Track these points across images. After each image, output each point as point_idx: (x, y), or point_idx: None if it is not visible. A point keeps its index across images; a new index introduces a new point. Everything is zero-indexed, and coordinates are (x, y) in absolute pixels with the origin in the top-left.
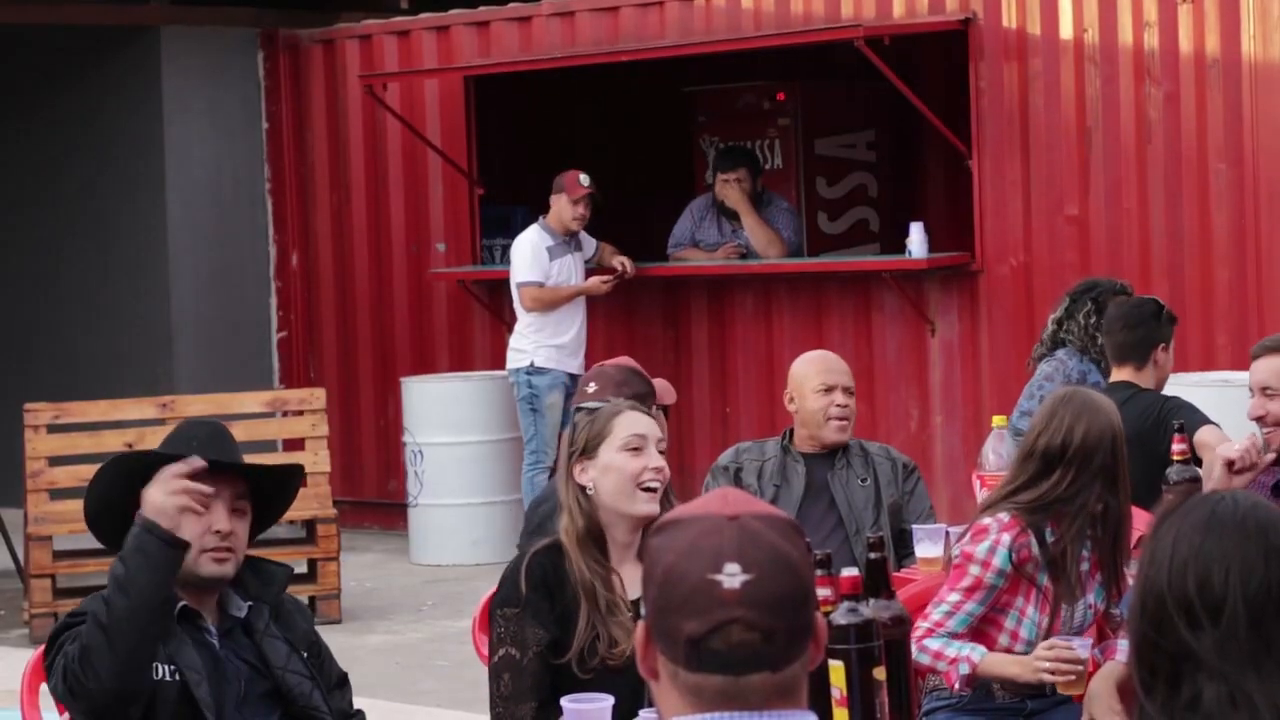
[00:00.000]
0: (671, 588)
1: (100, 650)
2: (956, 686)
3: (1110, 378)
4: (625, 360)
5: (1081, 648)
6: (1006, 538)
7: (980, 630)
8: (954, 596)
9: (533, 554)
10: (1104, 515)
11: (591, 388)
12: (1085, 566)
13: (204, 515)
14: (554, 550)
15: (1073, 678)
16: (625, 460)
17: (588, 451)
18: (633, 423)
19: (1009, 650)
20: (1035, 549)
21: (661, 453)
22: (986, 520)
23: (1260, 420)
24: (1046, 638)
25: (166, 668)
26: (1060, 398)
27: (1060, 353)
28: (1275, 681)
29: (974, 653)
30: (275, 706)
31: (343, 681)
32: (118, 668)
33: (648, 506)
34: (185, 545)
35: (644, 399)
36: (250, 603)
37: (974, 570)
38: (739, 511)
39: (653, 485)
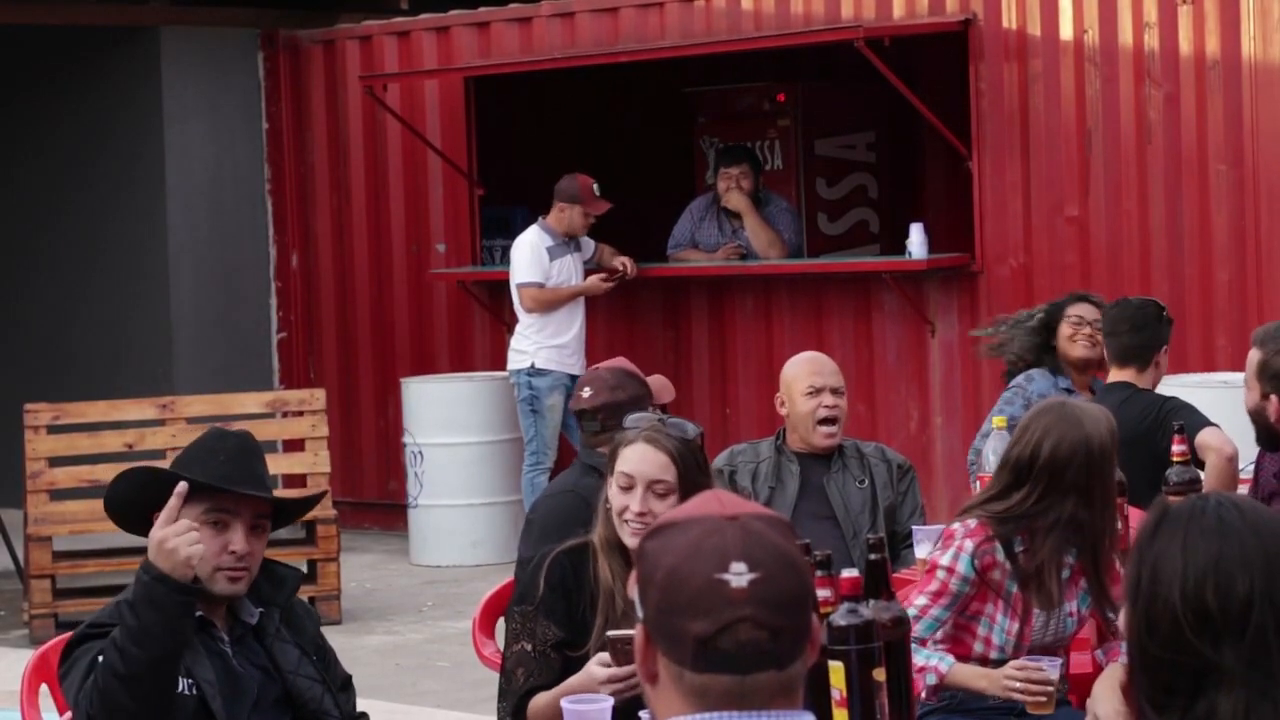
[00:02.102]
0: (676, 589)
1: (119, 698)
2: (923, 695)
3: (1110, 372)
4: (619, 362)
5: (1051, 668)
6: (970, 544)
7: (956, 638)
8: (921, 600)
9: (555, 555)
10: (1078, 530)
11: (586, 392)
12: (1066, 574)
13: (221, 534)
14: (577, 552)
15: (1042, 699)
16: (615, 494)
17: (609, 468)
18: (627, 460)
19: (984, 658)
20: (1001, 557)
21: (662, 495)
22: (955, 526)
23: None
24: (1018, 646)
25: (185, 681)
26: (1039, 409)
27: (1035, 373)
28: None
29: (941, 663)
30: (286, 711)
31: (347, 684)
32: (140, 710)
33: (629, 540)
34: (198, 590)
35: (639, 401)
36: (261, 609)
37: (940, 576)
38: (737, 512)
39: (633, 526)
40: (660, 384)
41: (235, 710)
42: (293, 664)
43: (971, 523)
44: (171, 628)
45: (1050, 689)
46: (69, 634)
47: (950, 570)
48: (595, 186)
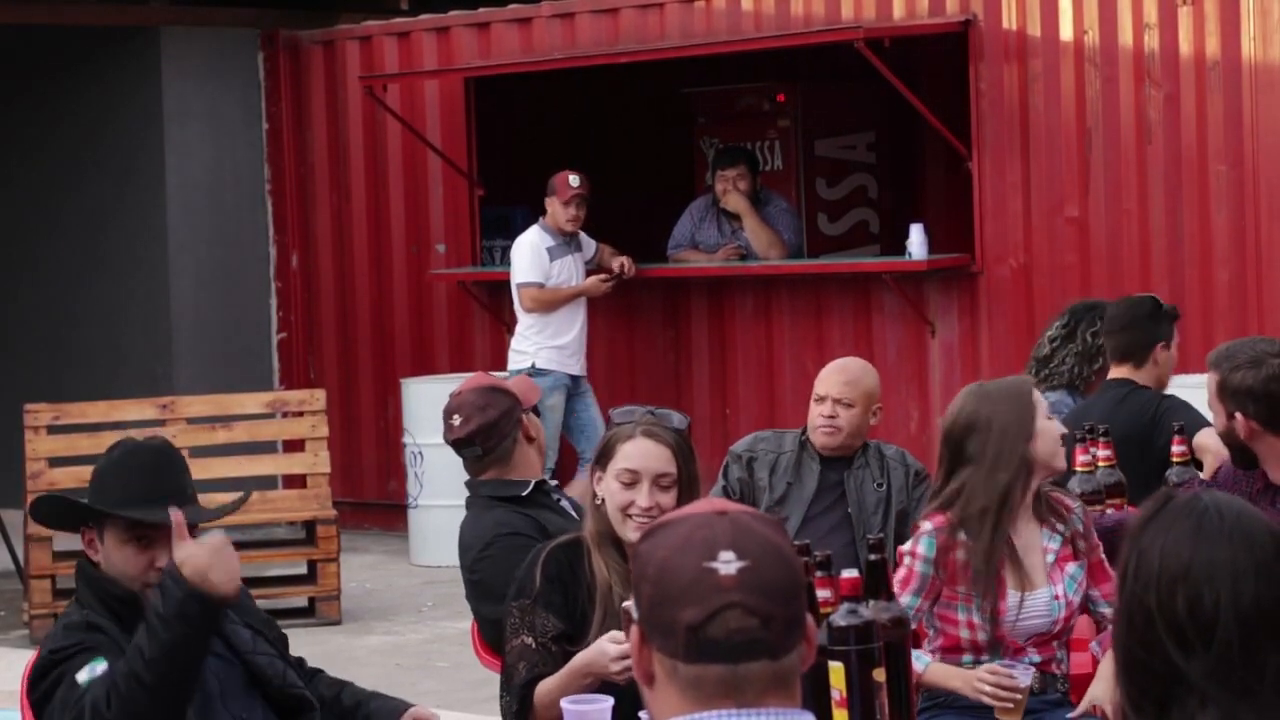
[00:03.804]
0: (668, 581)
1: (142, 708)
2: None
3: (1110, 370)
4: (478, 380)
5: (1023, 676)
6: (929, 525)
7: (943, 631)
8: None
9: (550, 549)
10: (974, 496)
11: (456, 420)
12: (1051, 558)
13: (147, 551)
14: (571, 546)
15: (1010, 706)
16: (617, 490)
17: (600, 463)
18: (630, 454)
19: (973, 641)
20: (961, 536)
21: (666, 488)
22: (920, 520)
23: None
24: (995, 622)
25: None
26: (957, 397)
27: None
28: (1273, 711)
29: (918, 662)
30: (254, 691)
31: (286, 642)
32: (160, 717)
33: (634, 536)
34: (230, 602)
35: (511, 414)
36: None
37: (906, 562)
38: (727, 509)
39: (639, 520)
40: (525, 387)
41: (206, 706)
42: (248, 644)
43: (931, 511)
44: (204, 640)
45: (1019, 697)
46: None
47: (913, 554)
48: (572, 177)
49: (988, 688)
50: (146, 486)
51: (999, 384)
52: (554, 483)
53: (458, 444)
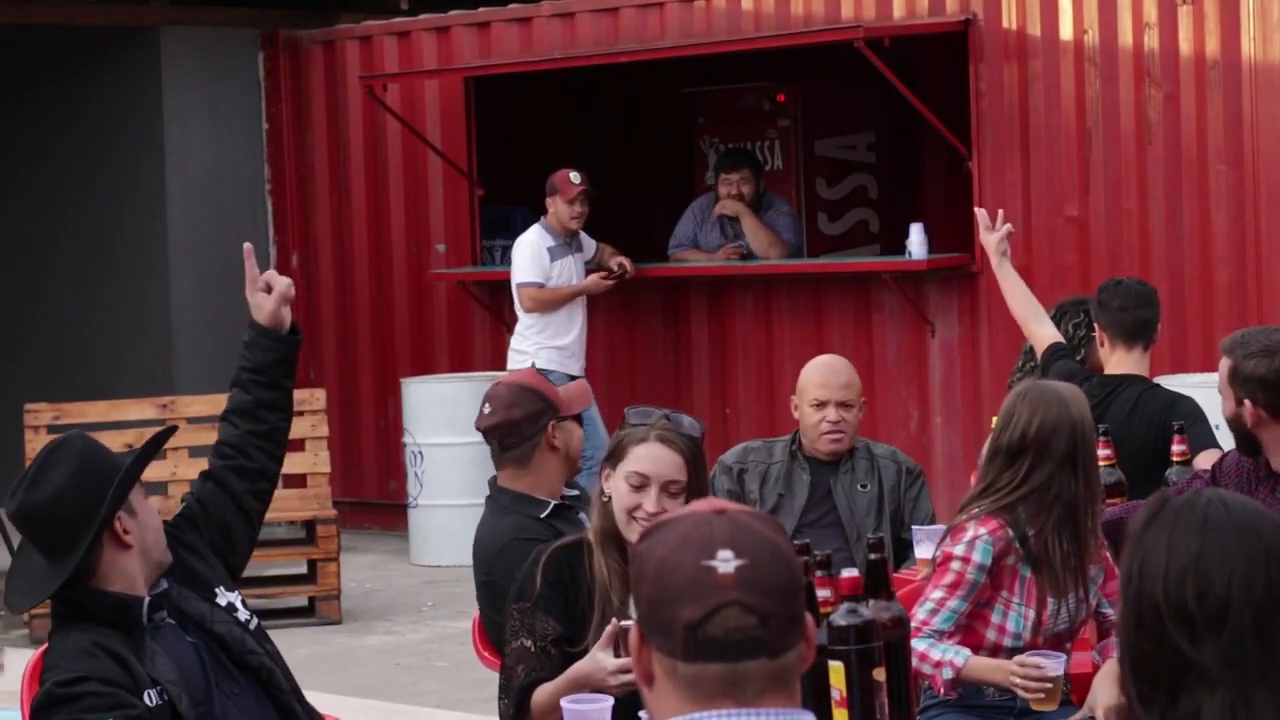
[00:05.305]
0: (666, 579)
1: None
2: (942, 691)
3: (1113, 357)
4: (521, 376)
5: (1055, 666)
6: (984, 532)
7: (968, 627)
8: (938, 594)
9: (552, 551)
10: (1065, 501)
11: (486, 409)
12: (1075, 561)
13: (150, 511)
14: (573, 549)
15: (1042, 695)
16: (625, 491)
17: (611, 462)
18: (641, 458)
19: (998, 645)
20: (1015, 543)
21: (675, 494)
22: (963, 518)
23: None
24: (1035, 632)
25: (153, 692)
26: (1018, 394)
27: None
28: None
29: (958, 656)
30: (232, 663)
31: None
32: None
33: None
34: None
35: (536, 419)
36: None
37: (955, 567)
38: (725, 508)
39: (643, 524)
40: (575, 392)
41: (207, 686)
42: (205, 614)
43: (980, 513)
44: None
45: (1050, 686)
46: (41, 658)
47: (966, 560)
48: (573, 174)
49: (1018, 680)
50: (98, 481)
51: (1066, 387)
52: (576, 491)
53: (484, 433)
